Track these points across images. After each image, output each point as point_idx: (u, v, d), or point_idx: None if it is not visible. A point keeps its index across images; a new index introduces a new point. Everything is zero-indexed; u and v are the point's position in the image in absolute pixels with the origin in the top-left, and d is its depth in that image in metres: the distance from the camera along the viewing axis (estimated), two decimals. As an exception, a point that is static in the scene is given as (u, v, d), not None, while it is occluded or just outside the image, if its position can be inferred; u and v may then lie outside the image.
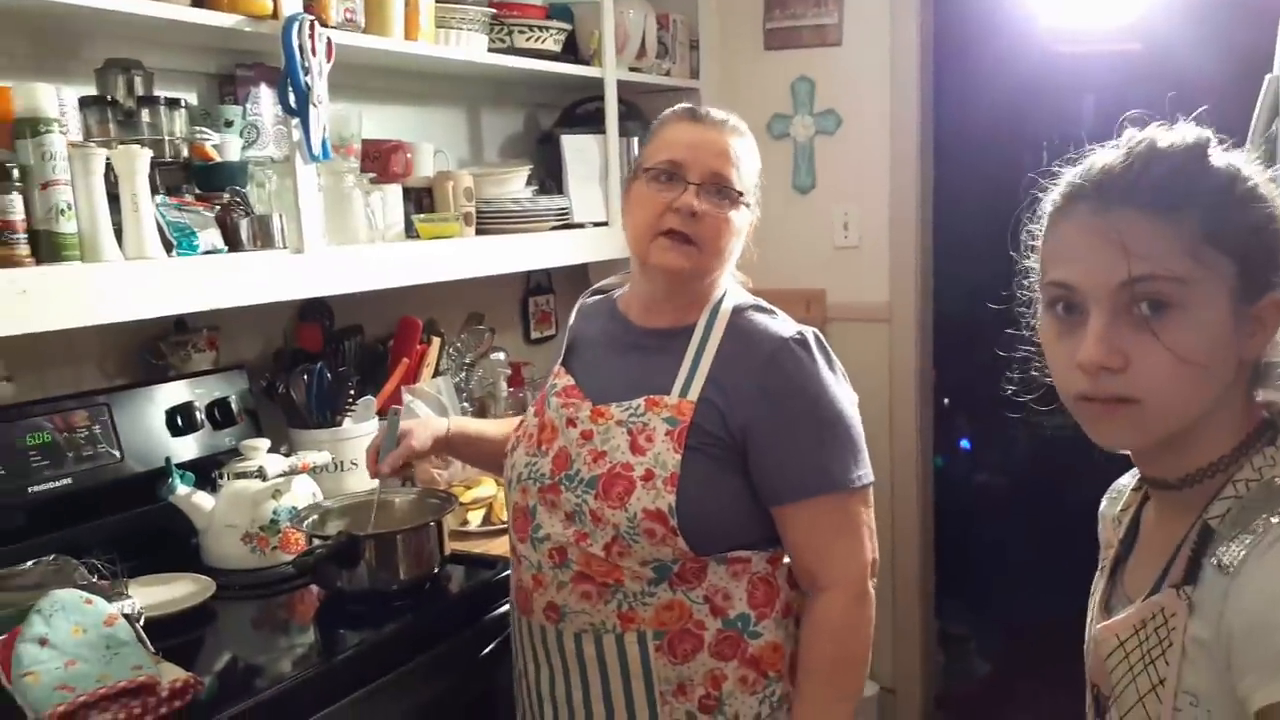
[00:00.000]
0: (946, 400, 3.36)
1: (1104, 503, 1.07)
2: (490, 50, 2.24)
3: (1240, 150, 0.88)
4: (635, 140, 2.75)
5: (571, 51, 2.50)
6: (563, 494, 1.38)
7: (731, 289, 1.47)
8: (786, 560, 1.43)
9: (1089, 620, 0.98)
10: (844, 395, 1.39)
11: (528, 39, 2.32)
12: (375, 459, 1.59)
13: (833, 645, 1.36)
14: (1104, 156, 0.87)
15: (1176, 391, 0.83)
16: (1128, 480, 1.03)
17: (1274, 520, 0.79)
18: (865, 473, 1.38)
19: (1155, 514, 0.94)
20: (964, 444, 3.89)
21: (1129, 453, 0.92)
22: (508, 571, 1.63)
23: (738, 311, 1.43)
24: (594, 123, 2.60)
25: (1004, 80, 3.47)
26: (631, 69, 2.65)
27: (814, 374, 1.36)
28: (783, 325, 1.41)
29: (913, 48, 2.86)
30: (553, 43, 2.38)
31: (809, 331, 1.40)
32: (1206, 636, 0.79)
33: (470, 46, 2.16)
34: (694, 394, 1.36)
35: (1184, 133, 0.87)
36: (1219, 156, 0.86)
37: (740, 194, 1.40)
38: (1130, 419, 0.85)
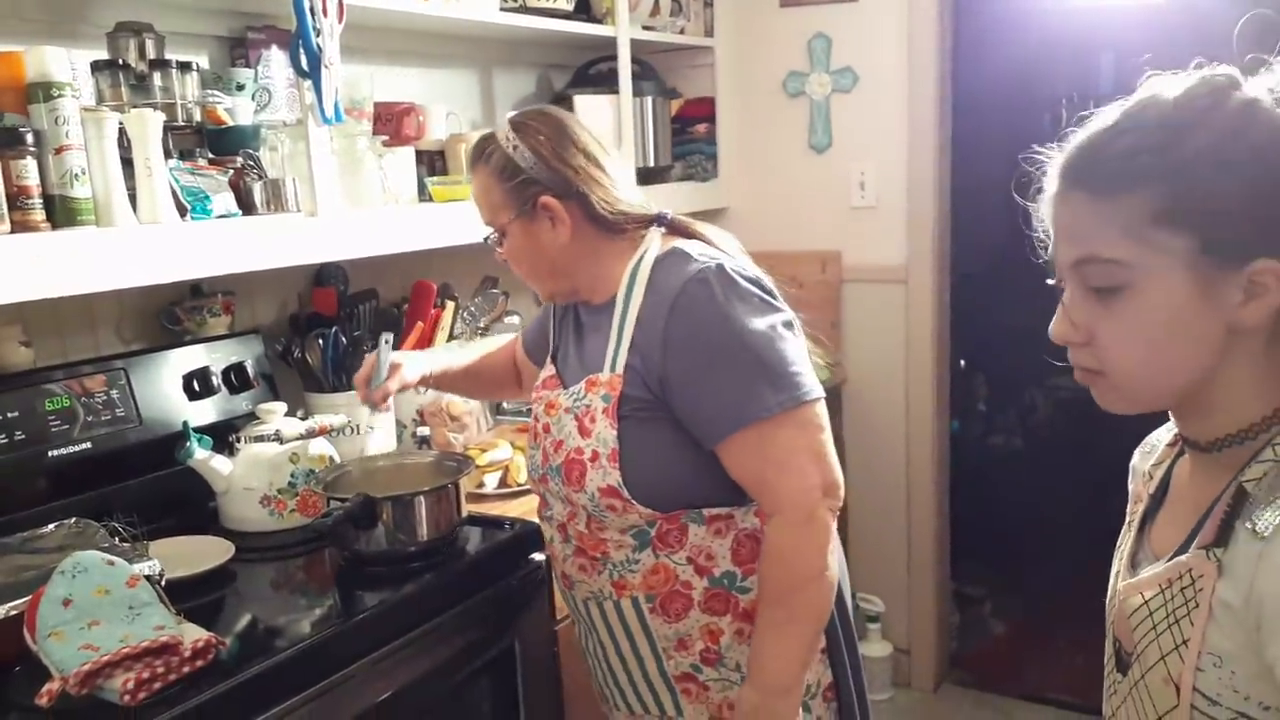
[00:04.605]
0: (963, 362, 3.34)
1: (1136, 456, 1.05)
2: (502, 9, 2.21)
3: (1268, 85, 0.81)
4: (649, 100, 2.72)
5: (584, 10, 2.47)
6: (549, 482, 1.45)
7: (654, 242, 1.41)
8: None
9: (1113, 575, 0.98)
10: (754, 322, 1.31)
11: (540, -3, 2.30)
12: (365, 387, 1.66)
13: (780, 569, 1.33)
14: (1082, 131, 0.86)
15: (1139, 366, 0.83)
16: (1162, 434, 1.02)
17: None
18: (789, 395, 1.30)
19: (1189, 471, 0.93)
20: (980, 406, 3.87)
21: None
22: (521, 531, 1.70)
23: (657, 264, 1.38)
24: (607, 83, 2.58)
25: (1023, 36, 3.41)
26: (645, 27, 2.62)
27: (714, 310, 1.30)
28: (689, 266, 1.34)
29: (931, 3, 2.82)
30: (565, 1, 2.35)
31: (711, 266, 1.33)
32: (1235, 600, 0.79)
33: (482, 6, 2.13)
34: (620, 366, 1.36)
35: (1175, 94, 0.82)
36: (1219, 115, 0.80)
37: (494, 227, 1.46)
38: (1105, 389, 0.86)
